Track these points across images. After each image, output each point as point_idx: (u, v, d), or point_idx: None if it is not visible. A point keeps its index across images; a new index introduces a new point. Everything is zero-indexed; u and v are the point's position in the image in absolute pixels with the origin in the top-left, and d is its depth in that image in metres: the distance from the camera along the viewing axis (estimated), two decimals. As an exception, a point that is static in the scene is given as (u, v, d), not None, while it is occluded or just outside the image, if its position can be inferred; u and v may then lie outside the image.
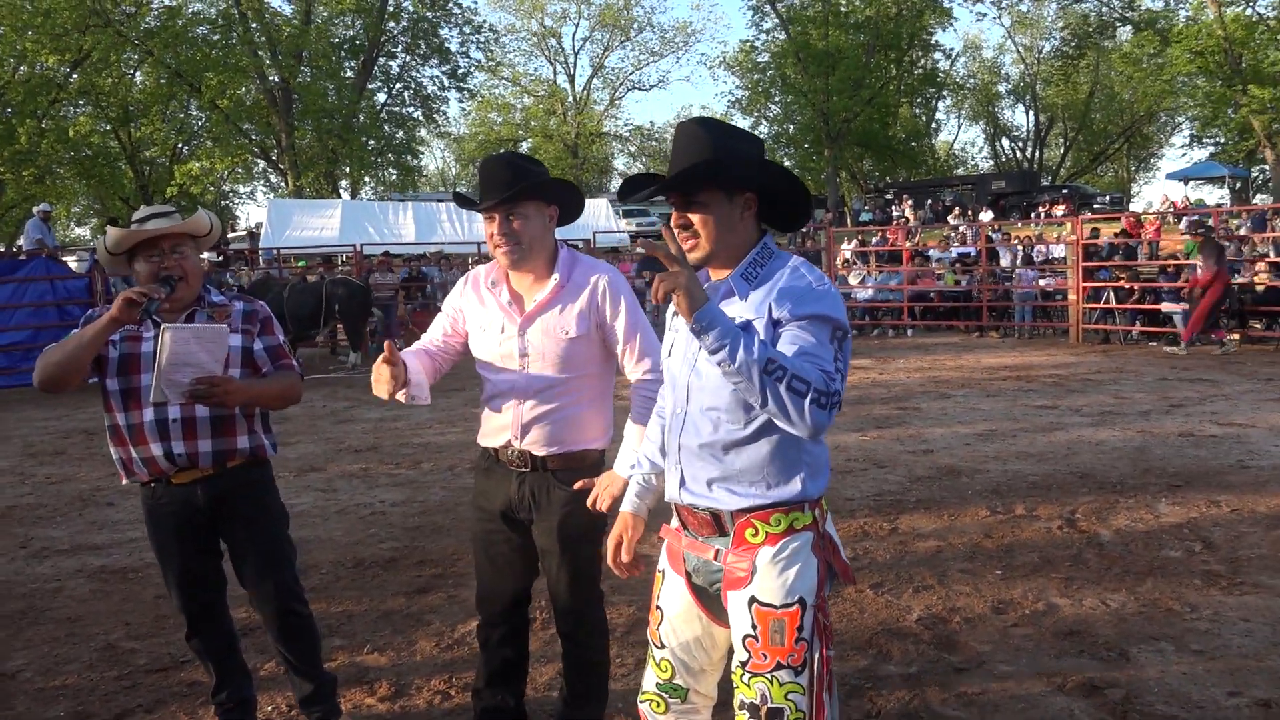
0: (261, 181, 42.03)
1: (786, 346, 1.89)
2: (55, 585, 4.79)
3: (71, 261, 16.05)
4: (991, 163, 54.86)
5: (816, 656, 2.03)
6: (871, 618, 4.02)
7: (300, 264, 19.87)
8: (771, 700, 2.02)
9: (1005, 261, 16.95)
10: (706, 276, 2.11)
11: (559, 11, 48.36)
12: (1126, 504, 5.54)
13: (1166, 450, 6.88)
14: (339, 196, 33.65)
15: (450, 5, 38.00)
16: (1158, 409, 8.49)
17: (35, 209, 16.72)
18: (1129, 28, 39.36)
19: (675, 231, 2.03)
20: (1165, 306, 13.56)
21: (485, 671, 2.98)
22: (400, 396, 2.59)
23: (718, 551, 2.08)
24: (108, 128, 36.12)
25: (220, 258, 17.71)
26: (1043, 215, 29.56)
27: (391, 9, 36.56)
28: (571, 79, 50.24)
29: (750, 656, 2.03)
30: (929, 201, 36.97)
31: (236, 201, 49.00)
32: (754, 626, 2.02)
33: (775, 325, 1.94)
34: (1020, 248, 17.60)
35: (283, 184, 36.69)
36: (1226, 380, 10.00)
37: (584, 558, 2.77)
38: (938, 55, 46.46)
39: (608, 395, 2.83)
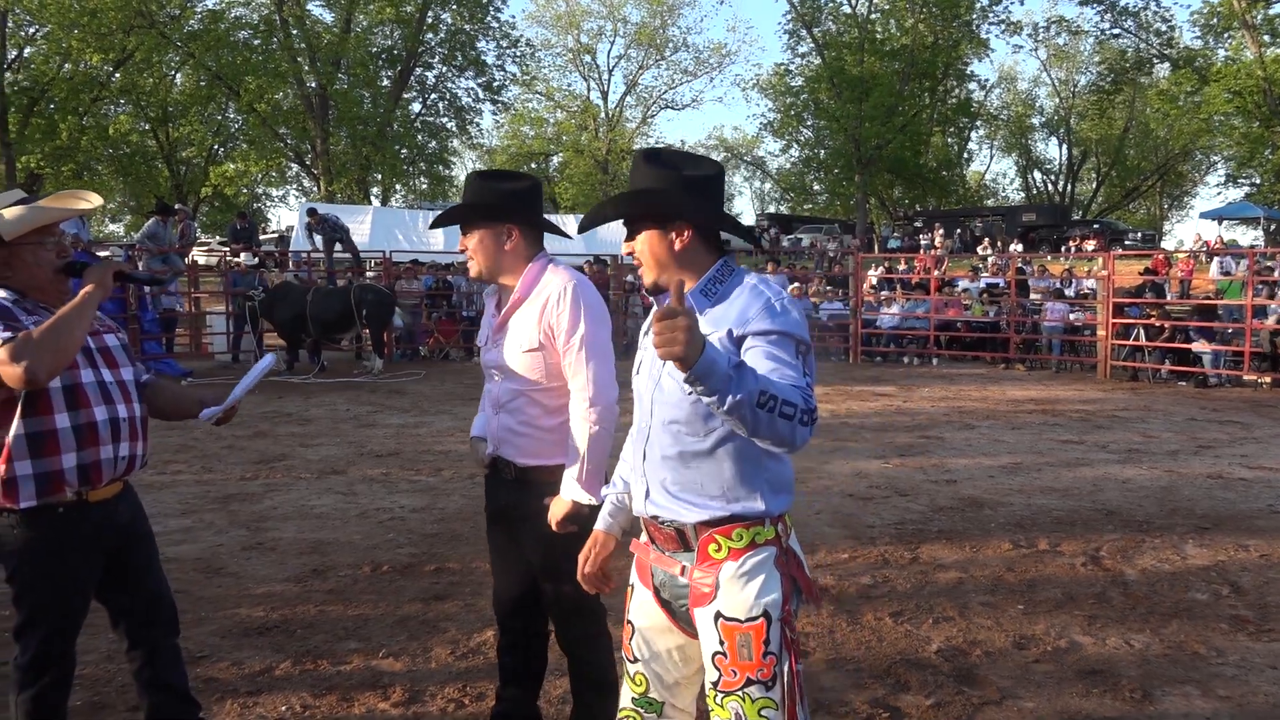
0: (294, 185, 42.56)
1: (759, 364, 1.88)
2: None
3: (104, 255, 16.22)
4: (1023, 195, 54.61)
5: (786, 670, 2.04)
6: (890, 646, 3.97)
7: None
8: (745, 718, 2.02)
9: (1035, 295, 16.84)
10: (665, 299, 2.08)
11: (595, 29, 48.73)
12: (1153, 544, 5.46)
13: (1194, 491, 6.78)
14: (370, 203, 33.91)
15: (488, 19, 38.36)
16: (1186, 449, 8.38)
17: (72, 204, 16.94)
18: (1167, 65, 39.13)
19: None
20: (1196, 346, 13.41)
21: (500, 677, 3.02)
22: None
23: (684, 567, 2.10)
24: (146, 127, 36.74)
25: (255, 259, 17.87)
26: (1073, 249, 29.37)
27: (430, 20, 36.93)
28: (605, 95, 50.54)
29: (721, 675, 2.05)
30: (958, 231, 36.82)
31: (269, 204, 49.58)
32: (721, 643, 2.04)
33: (737, 342, 1.96)
34: (1057, 281, 17.48)
35: (315, 189, 37.05)
36: (1258, 423, 9.86)
37: (571, 571, 2.76)
38: (972, 85, 46.36)
39: None
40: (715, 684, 2.06)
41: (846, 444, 8.54)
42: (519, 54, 40.80)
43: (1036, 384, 13.32)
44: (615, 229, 2.90)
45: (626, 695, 2.25)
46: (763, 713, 2.02)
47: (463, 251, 2.80)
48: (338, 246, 16.43)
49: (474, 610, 4.36)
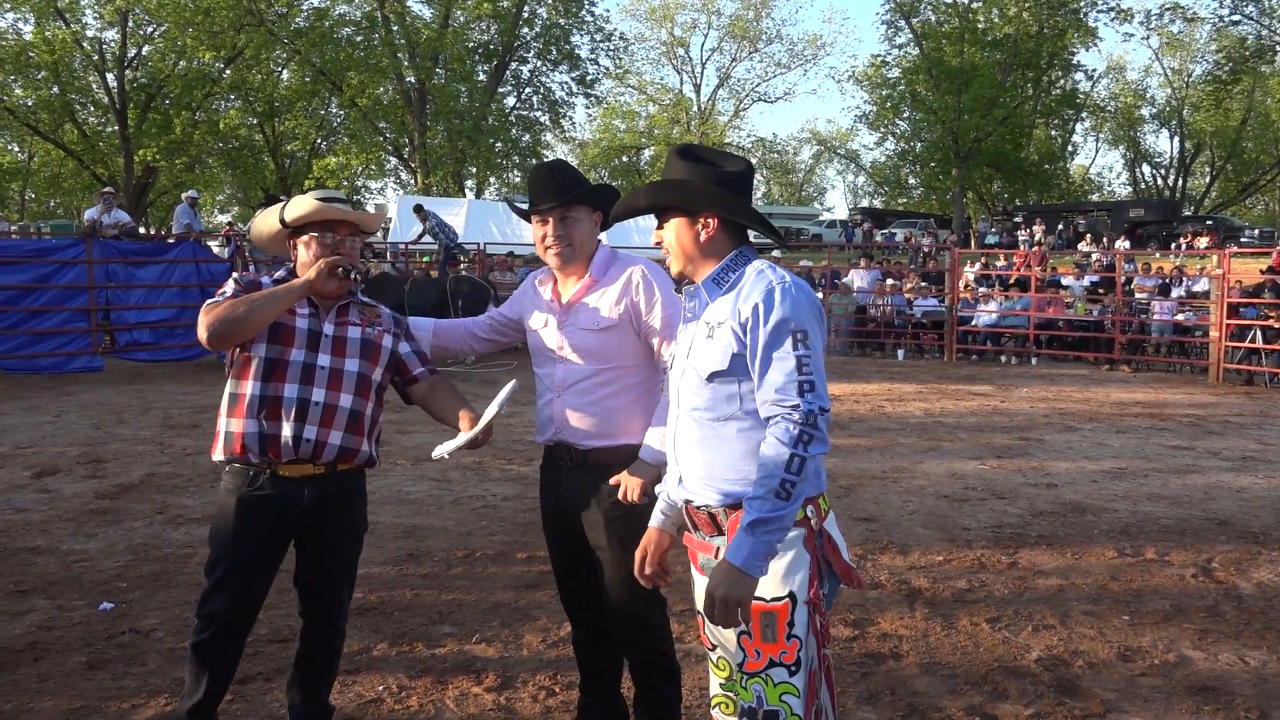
0: (392, 178, 43.62)
1: (763, 381, 2.05)
2: (188, 551, 5.03)
3: (215, 246, 16.88)
4: (1130, 189, 52.56)
5: (812, 656, 2.04)
6: (987, 653, 3.87)
7: (425, 259, 20.44)
8: (767, 702, 2.04)
9: (1142, 294, 16.19)
10: (693, 285, 2.24)
11: (689, 21, 48.69)
12: (1269, 556, 5.20)
13: (1316, 502, 6.43)
14: (464, 196, 34.54)
15: (583, 13, 38.64)
16: (1306, 458, 7.96)
17: (184, 195, 17.68)
18: (1290, 53, 37.17)
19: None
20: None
21: (580, 672, 3.05)
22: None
23: (718, 549, 2.14)
24: (254, 121, 38.15)
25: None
26: (1183, 246, 28.15)
27: (526, 15, 37.39)
28: (697, 88, 50.50)
29: (745, 656, 2.07)
30: (1060, 226, 35.64)
31: (368, 197, 50.91)
32: (746, 622, 2.05)
33: (742, 329, 2.08)
34: (1168, 280, 16.79)
35: (412, 182, 37.92)
36: (1385, 432, 9.29)
37: (631, 559, 2.75)
38: (1079, 76, 44.88)
39: (653, 389, 2.81)
40: (740, 665, 2.08)
41: (941, 444, 8.35)
42: (612, 48, 41.08)
43: (1143, 386, 12.82)
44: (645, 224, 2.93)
45: (715, 682, 2.27)
46: (784, 698, 2.02)
47: (542, 239, 2.78)
48: (427, 237, 16.73)
49: (564, 600, 4.40)
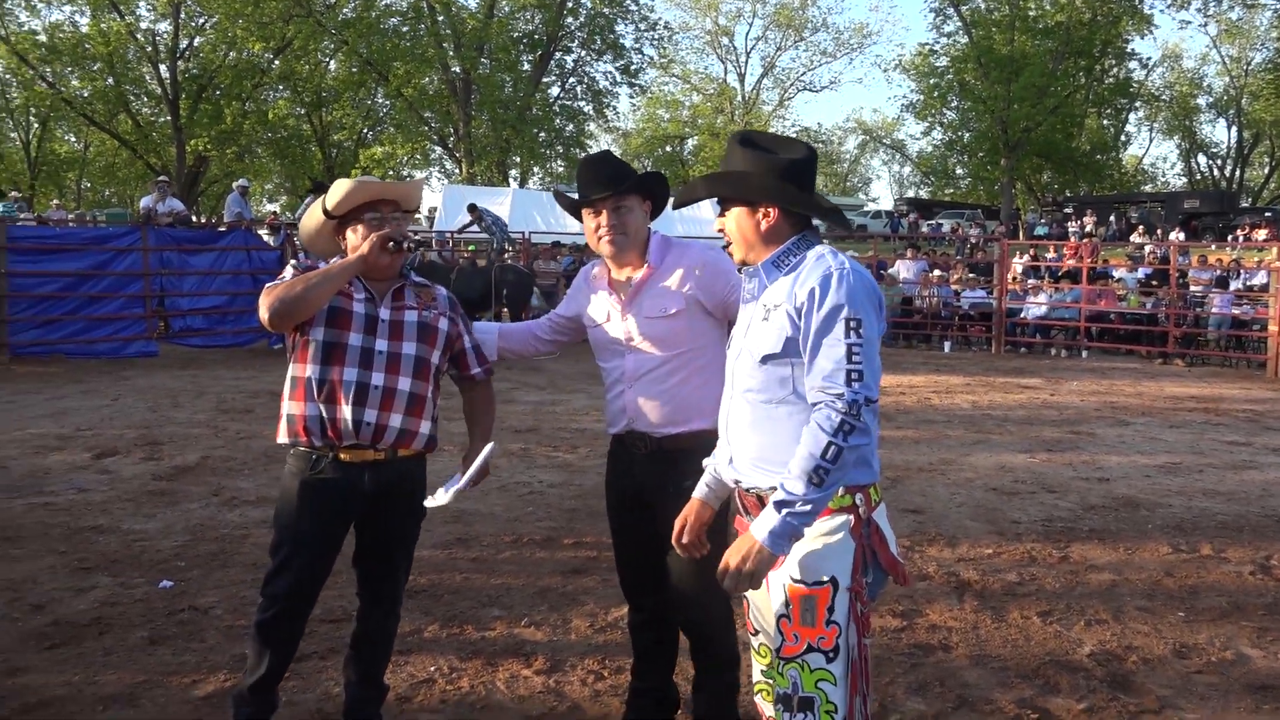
0: (437, 168, 43.91)
1: (813, 367, 2.05)
2: (243, 533, 5.13)
3: (265, 234, 17.14)
4: (1185, 180, 51.40)
5: (851, 645, 2.03)
6: (1039, 647, 3.83)
7: (470, 248, 20.59)
8: (803, 689, 2.03)
9: (1197, 287, 15.84)
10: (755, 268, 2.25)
11: (733, 10, 48.43)
12: (1330, 555, 5.08)
13: (1379, 501, 6.26)
14: (508, 185, 34.71)
15: (627, 2, 38.58)
16: (1369, 455, 7.75)
17: (235, 184, 17.96)
18: (1356, 39, 36.06)
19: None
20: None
21: (635, 655, 3.07)
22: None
23: None
24: (302, 111, 38.65)
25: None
26: (1240, 239, 27.49)
27: (570, 4, 37.40)
28: (741, 78, 50.19)
29: (783, 640, 2.07)
30: (1111, 218, 34.96)
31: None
32: (787, 605, 2.06)
33: (797, 313, 2.08)
34: (1225, 273, 16.40)
35: (457, 171, 38.17)
36: None
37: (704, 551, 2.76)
38: (1133, 64, 43.91)
39: (723, 370, 2.79)
40: (777, 650, 2.08)
41: (990, 436, 8.26)
42: (657, 37, 40.96)
43: (1198, 381, 12.55)
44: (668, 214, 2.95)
45: (757, 669, 2.28)
46: (820, 685, 2.01)
47: (596, 229, 2.80)
48: (472, 226, 16.85)
49: (611, 585, 4.41)
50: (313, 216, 2.88)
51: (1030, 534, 5.37)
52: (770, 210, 2.17)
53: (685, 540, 2.41)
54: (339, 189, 2.76)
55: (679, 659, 3.10)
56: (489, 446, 2.86)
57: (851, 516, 2.07)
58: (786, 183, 2.17)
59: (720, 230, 2.28)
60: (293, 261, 2.86)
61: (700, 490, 2.43)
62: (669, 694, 3.07)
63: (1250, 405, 10.41)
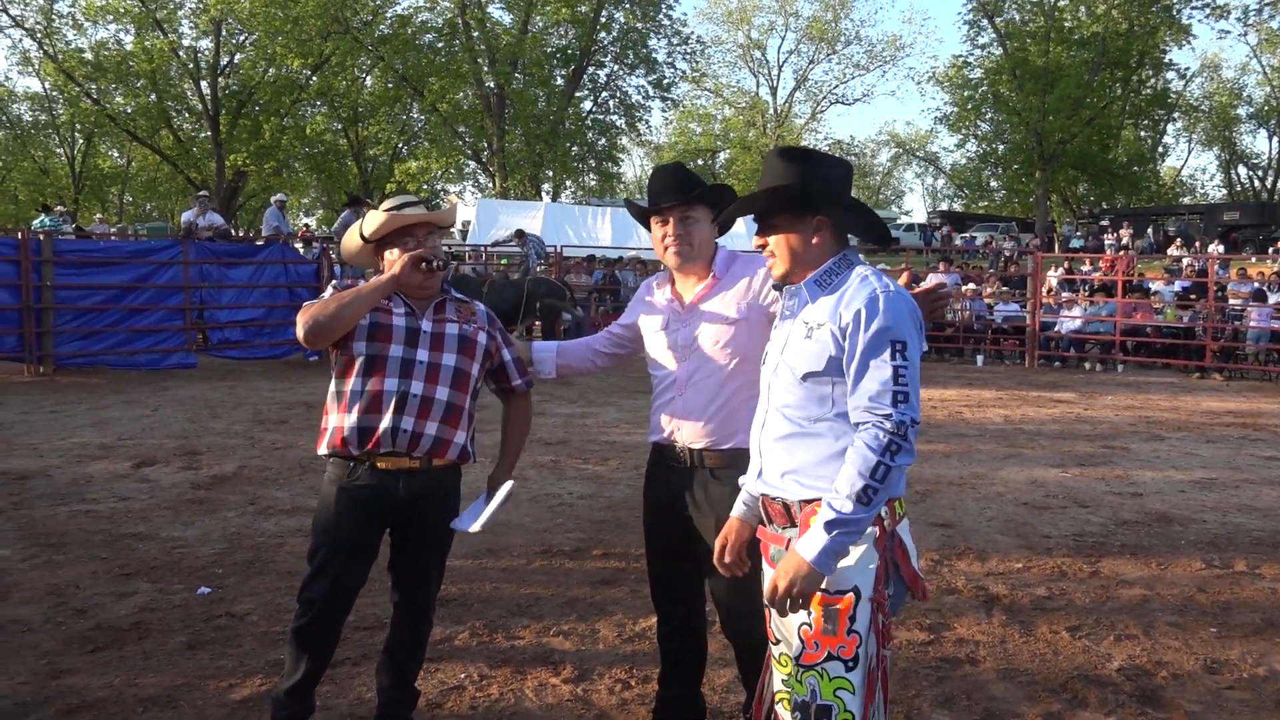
0: (470, 182, 44.33)
1: (858, 389, 2.08)
2: (278, 541, 5.23)
3: (301, 248, 17.40)
4: (1225, 192, 50.64)
5: (871, 654, 2.06)
6: (1066, 661, 3.82)
7: (503, 262, 20.77)
8: (821, 697, 2.06)
9: (1236, 300, 15.60)
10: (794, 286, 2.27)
11: (766, 24, 48.45)
12: (1369, 572, 5.01)
13: None
14: (541, 199, 34.96)
15: (660, 16, 38.78)
16: None
17: (273, 199, 18.25)
18: (1400, 48, 35.41)
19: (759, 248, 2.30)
20: None
21: (663, 664, 3.09)
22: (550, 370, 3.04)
23: (789, 541, 2.16)
24: (339, 127, 39.21)
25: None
26: (1282, 251, 27.02)
27: (604, 20, 37.66)
28: (774, 91, 50.20)
29: (804, 647, 2.09)
30: (1149, 230, 34.53)
31: (444, 200, 51.86)
32: (809, 613, 2.08)
33: (841, 333, 2.10)
34: (1265, 286, 16.15)
35: (490, 185, 38.49)
36: None
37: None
38: (1170, 75, 43.34)
39: None
40: (797, 658, 2.10)
41: (1021, 451, 8.20)
42: (689, 51, 41.11)
43: (1236, 395, 12.38)
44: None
45: (778, 678, 2.30)
46: (838, 693, 2.04)
47: (662, 238, 2.85)
48: (511, 243, 17.04)
49: (639, 596, 4.47)
50: (352, 239, 2.99)
51: (1061, 548, 5.34)
52: (822, 222, 2.20)
53: (727, 559, 2.44)
54: (375, 220, 2.88)
55: (708, 670, 3.13)
56: (507, 485, 2.97)
57: (877, 530, 2.10)
58: (837, 196, 2.23)
59: (760, 246, 2.29)
60: (334, 282, 2.96)
61: (738, 509, 2.46)
62: (696, 702, 3.10)
63: (1290, 420, 10.25)
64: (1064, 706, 3.43)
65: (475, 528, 2.86)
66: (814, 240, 2.20)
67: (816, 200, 2.19)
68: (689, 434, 2.82)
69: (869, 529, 2.09)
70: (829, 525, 2.00)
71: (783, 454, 2.21)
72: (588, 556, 5.09)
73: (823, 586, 2.07)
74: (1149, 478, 7.24)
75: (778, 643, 2.28)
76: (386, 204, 2.95)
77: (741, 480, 2.47)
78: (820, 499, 2.10)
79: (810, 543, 2.01)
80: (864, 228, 2.29)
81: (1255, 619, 4.32)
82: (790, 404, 2.19)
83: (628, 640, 3.99)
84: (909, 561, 2.16)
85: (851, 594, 2.06)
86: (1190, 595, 4.62)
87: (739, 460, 2.68)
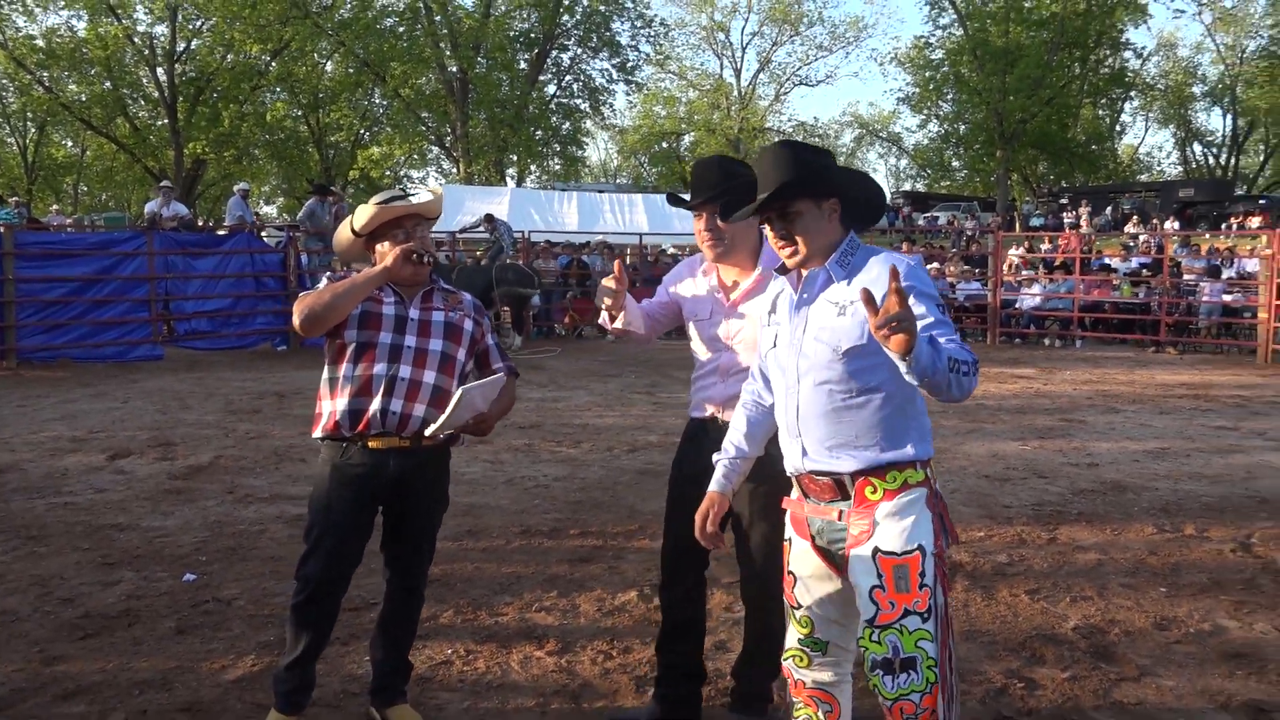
0: (434, 167, 44.09)
1: (932, 330, 2.09)
2: (259, 528, 5.31)
3: (266, 237, 17.30)
4: (1180, 169, 51.53)
5: (942, 604, 2.21)
6: (1026, 622, 4.02)
7: (478, 250, 20.73)
8: (904, 651, 2.19)
9: (1189, 275, 16.00)
10: (797, 276, 2.35)
11: (729, 6, 48.40)
12: (1310, 533, 5.27)
13: (1360, 482, 6.45)
14: (506, 184, 34.87)
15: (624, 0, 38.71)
16: (1354, 438, 7.93)
17: (236, 188, 18.11)
18: (1348, 26, 36.18)
19: (774, 240, 2.34)
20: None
21: (667, 627, 3.18)
22: (619, 321, 2.96)
23: (841, 512, 2.28)
24: (299, 113, 38.74)
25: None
26: (1235, 227, 27.66)
27: (566, 2, 37.53)
28: (738, 73, 50.22)
29: (878, 609, 2.21)
30: (1107, 208, 35.13)
31: (410, 186, 51.46)
32: (879, 576, 2.20)
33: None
34: (1219, 261, 16.57)
35: (454, 170, 38.32)
36: None
37: (775, 524, 2.82)
38: (1127, 54, 43.99)
39: None
40: (871, 620, 2.22)
41: (983, 425, 8.44)
42: (653, 34, 41.08)
43: (1189, 368, 12.74)
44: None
45: (793, 637, 2.45)
46: (920, 644, 2.18)
47: (699, 232, 2.93)
48: (479, 228, 17.00)
49: (616, 572, 4.62)
50: (344, 234, 3.11)
51: (1020, 518, 5.56)
52: (835, 206, 2.31)
53: (708, 531, 2.55)
54: (365, 214, 3.00)
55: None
56: (458, 391, 2.83)
57: (926, 489, 2.25)
58: (845, 177, 2.38)
59: (779, 235, 2.31)
60: (328, 274, 3.07)
61: (717, 483, 2.57)
62: (697, 669, 3.21)
63: (1239, 391, 10.60)
64: (1023, 664, 3.62)
65: (429, 431, 2.89)
66: (828, 221, 2.31)
67: (834, 183, 2.31)
68: (728, 416, 2.89)
69: (920, 490, 2.23)
70: (929, 341, 2.00)
71: (826, 429, 2.27)
72: (565, 535, 5.22)
73: (889, 548, 2.19)
74: (1105, 448, 7.49)
75: (798, 607, 2.41)
76: (376, 198, 3.07)
77: (716, 457, 2.60)
78: (875, 469, 2.22)
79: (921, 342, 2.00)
80: (864, 203, 2.37)
81: (1202, 579, 4.55)
82: (830, 379, 2.25)
83: (608, 614, 4.13)
84: (948, 514, 2.32)
85: (917, 551, 2.20)
86: (1142, 558, 4.85)
87: (770, 450, 2.78)
